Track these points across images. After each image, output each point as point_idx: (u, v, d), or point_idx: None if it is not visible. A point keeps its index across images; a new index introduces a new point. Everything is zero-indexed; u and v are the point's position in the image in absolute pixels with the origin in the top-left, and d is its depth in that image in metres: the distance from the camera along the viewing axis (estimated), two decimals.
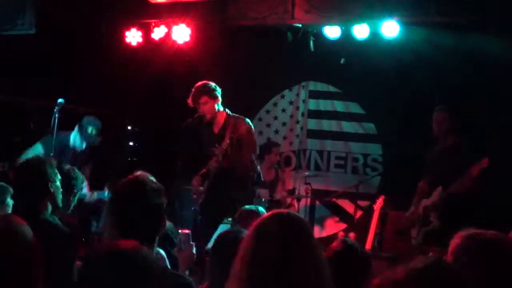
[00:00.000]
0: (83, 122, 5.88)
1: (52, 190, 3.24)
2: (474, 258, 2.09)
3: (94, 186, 5.93)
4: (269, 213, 2.12)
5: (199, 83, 5.61)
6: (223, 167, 5.47)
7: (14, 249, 2.00)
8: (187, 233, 3.32)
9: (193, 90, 5.58)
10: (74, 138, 5.87)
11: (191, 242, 3.30)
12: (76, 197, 3.48)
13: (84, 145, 5.86)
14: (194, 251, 3.26)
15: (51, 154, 5.58)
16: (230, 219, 5.66)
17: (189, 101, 5.58)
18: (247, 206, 3.97)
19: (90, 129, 5.83)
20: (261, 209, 3.83)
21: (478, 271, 2.02)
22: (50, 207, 3.23)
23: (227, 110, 5.65)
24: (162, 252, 3.14)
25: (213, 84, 5.57)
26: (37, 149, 5.77)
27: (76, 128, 5.87)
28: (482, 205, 5.70)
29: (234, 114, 5.67)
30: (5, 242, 2.00)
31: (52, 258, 2.14)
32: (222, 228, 6.17)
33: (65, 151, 5.87)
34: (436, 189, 5.61)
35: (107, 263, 1.76)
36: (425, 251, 5.30)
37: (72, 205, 3.45)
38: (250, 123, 5.69)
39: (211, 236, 5.76)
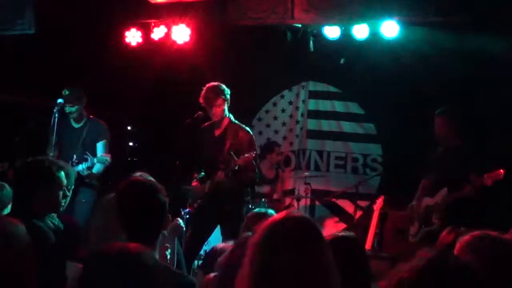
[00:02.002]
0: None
1: (49, 199, 3.23)
2: (481, 258, 2.08)
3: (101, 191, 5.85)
4: (281, 214, 2.06)
5: (213, 84, 5.57)
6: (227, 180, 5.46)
7: (7, 251, 2.00)
8: (166, 247, 3.35)
9: (206, 90, 5.54)
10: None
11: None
12: (69, 196, 3.49)
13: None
14: (181, 222, 3.30)
15: (51, 154, 5.58)
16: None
17: (202, 102, 5.54)
18: (256, 209, 3.94)
19: (65, 92, 5.85)
20: (270, 211, 3.82)
21: (484, 271, 2.02)
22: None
23: (230, 115, 5.65)
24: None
25: (224, 86, 5.57)
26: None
27: None
28: (485, 210, 5.66)
29: (236, 121, 5.67)
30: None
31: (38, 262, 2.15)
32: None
33: (68, 130, 5.92)
34: (441, 190, 5.59)
35: (109, 265, 1.76)
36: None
37: (66, 203, 3.46)
38: (251, 132, 5.70)
39: (200, 246, 5.83)
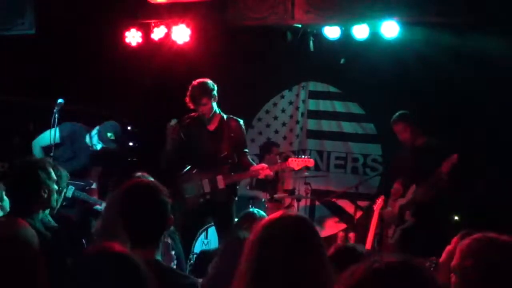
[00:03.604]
0: (105, 125, 5.75)
1: (44, 196, 3.23)
2: (478, 261, 2.07)
3: (101, 192, 5.80)
4: (277, 214, 2.08)
5: (198, 82, 5.53)
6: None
7: (18, 254, 1.99)
8: (167, 243, 3.36)
9: (192, 89, 5.50)
10: (92, 137, 5.76)
11: (171, 252, 3.34)
12: (62, 195, 3.50)
13: (99, 147, 5.74)
14: (173, 261, 3.31)
15: (51, 154, 5.55)
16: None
17: (188, 101, 5.52)
18: (248, 210, 3.99)
19: (109, 134, 5.73)
20: (261, 212, 3.85)
21: (480, 274, 2.01)
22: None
23: (219, 110, 5.67)
24: (169, 241, 3.22)
25: (210, 83, 5.52)
26: (51, 135, 5.57)
27: (95, 130, 5.73)
28: (456, 202, 5.94)
29: (225, 115, 5.68)
30: (9, 247, 1.99)
31: None
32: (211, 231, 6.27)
33: (78, 144, 5.82)
34: (410, 188, 5.85)
35: (94, 266, 1.76)
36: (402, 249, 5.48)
37: (59, 203, 3.47)
38: (242, 123, 5.72)
39: (192, 241, 5.87)
